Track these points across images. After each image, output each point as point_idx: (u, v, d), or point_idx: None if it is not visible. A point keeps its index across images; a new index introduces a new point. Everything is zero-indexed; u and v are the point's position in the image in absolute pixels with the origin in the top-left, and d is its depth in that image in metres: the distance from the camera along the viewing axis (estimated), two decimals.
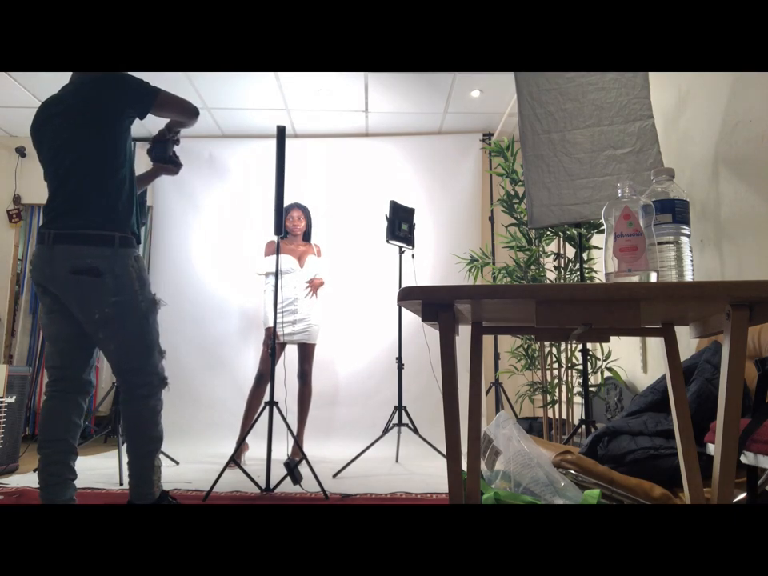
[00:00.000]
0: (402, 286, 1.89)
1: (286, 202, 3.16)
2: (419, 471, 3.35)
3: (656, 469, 1.59)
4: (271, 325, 3.22)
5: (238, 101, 4.46)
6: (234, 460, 2.66)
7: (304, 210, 3.84)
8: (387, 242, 3.64)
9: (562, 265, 3.34)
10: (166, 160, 2.25)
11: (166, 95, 2.08)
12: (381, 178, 4.88)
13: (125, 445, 2.10)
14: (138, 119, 2.07)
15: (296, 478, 2.56)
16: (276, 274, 3.04)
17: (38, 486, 1.92)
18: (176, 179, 4.91)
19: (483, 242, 4.68)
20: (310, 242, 3.89)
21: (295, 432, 3.42)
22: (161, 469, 2.07)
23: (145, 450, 2.00)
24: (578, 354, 3.18)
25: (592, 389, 3.01)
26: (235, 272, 4.73)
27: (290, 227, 3.75)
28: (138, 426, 2.01)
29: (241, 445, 3.25)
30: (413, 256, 3.82)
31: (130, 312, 1.94)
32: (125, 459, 2.38)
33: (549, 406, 3.29)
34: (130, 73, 2.04)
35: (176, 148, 2.29)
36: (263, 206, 4.63)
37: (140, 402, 2.00)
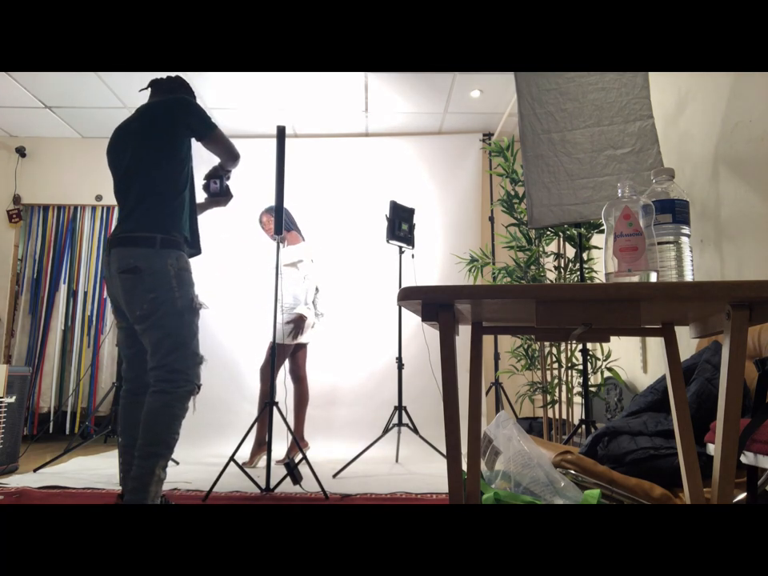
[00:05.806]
0: (402, 286, 1.89)
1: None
2: (419, 471, 3.35)
3: (656, 469, 1.60)
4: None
5: (238, 101, 4.46)
6: (234, 460, 2.65)
7: (269, 211, 3.75)
8: (387, 242, 3.65)
9: (562, 265, 3.34)
10: (219, 194, 2.42)
11: (221, 134, 2.21)
12: (381, 178, 4.88)
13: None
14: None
15: (296, 478, 2.56)
16: (276, 274, 3.05)
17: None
18: None
19: (483, 242, 4.69)
20: (291, 231, 3.80)
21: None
22: (162, 482, 1.93)
23: (147, 451, 1.89)
24: (578, 354, 3.18)
25: (592, 389, 3.01)
26: (235, 272, 4.73)
27: (266, 232, 3.73)
28: (147, 421, 1.92)
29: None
30: (413, 256, 3.83)
31: (165, 308, 1.98)
32: None
33: (549, 406, 3.29)
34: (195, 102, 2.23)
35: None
36: (263, 206, 4.63)
37: (156, 396, 1.95)
